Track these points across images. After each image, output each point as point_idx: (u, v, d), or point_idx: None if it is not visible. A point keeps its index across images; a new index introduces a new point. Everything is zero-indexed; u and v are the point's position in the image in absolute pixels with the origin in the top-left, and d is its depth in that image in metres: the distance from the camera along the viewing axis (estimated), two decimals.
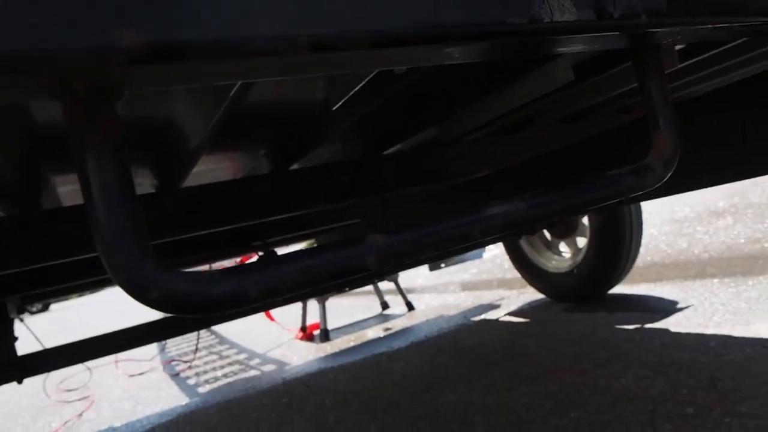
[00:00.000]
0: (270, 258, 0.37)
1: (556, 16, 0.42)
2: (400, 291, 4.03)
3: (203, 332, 5.38)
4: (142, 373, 4.00)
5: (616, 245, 2.40)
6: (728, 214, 3.69)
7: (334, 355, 3.07)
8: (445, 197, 1.80)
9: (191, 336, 4.84)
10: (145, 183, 1.39)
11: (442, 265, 3.40)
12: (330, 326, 3.81)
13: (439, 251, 0.43)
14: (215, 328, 5.56)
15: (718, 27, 0.53)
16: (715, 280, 2.39)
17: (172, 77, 0.32)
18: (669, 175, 0.52)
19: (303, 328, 3.93)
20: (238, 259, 4.50)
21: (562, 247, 2.77)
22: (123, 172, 0.33)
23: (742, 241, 2.95)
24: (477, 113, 1.41)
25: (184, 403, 2.85)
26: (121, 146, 0.33)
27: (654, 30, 0.50)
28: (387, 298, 4.27)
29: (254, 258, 2.87)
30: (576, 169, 1.47)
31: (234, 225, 1.46)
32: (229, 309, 0.35)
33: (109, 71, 0.29)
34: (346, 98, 0.86)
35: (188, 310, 0.33)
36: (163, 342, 5.17)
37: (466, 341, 2.53)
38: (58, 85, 0.30)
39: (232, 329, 5.19)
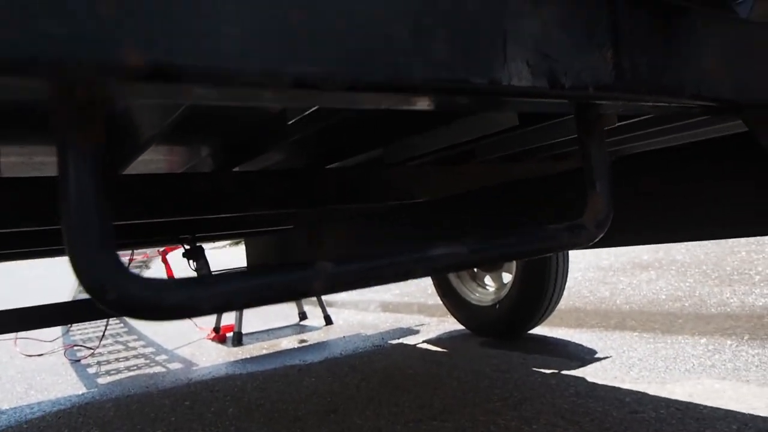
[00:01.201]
0: (223, 274, 0.39)
1: (514, 80, 0.46)
2: (321, 303, 4.03)
3: (112, 319, 5.17)
4: (41, 355, 3.80)
5: (541, 286, 2.46)
6: (652, 269, 3.89)
7: (245, 361, 3.02)
8: (381, 218, 1.83)
9: (100, 321, 4.65)
10: None
11: None
12: (244, 330, 3.75)
13: (381, 284, 0.45)
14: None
15: (656, 105, 0.59)
16: (635, 334, 2.48)
17: (165, 94, 0.33)
18: (601, 235, 0.56)
19: (216, 329, 3.85)
20: (161, 249, 4.38)
21: (488, 280, 2.85)
22: (99, 176, 0.34)
23: (664, 297, 3.10)
24: (423, 141, 1.46)
25: (80, 392, 2.73)
26: (102, 152, 0.34)
27: (599, 102, 0.55)
28: (306, 308, 4.25)
29: (179, 249, 2.80)
30: (510, 208, 1.53)
31: (169, 218, 1.44)
32: (179, 318, 0.36)
33: (109, 84, 0.30)
34: (303, 115, 0.88)
35: (141, 315, 0.34)
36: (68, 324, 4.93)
37: (380, 363, 2.55)
38: (60, 90, 0.31)
39: None
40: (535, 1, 0.48)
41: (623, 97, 0.54)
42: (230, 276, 0.38)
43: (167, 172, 1.65)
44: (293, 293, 0.40)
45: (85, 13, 0.29)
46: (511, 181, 1.63)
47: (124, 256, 4.80)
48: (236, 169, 1.52)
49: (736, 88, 0.66)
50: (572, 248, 0.56)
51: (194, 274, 2.79)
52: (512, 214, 1.49)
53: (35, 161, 1.37)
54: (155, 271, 5.80)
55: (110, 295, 0.34)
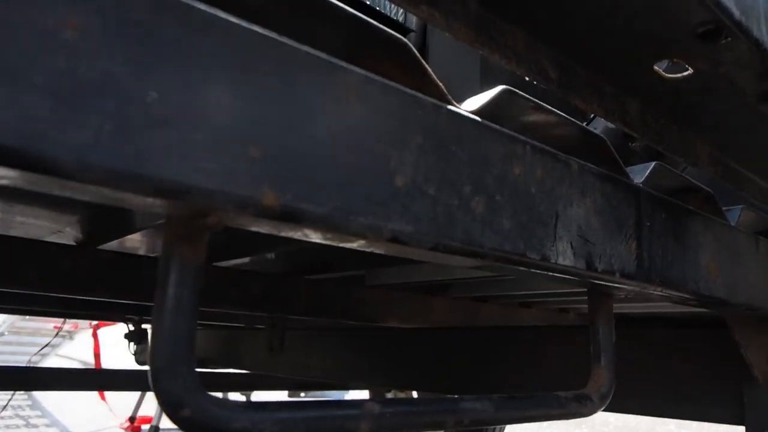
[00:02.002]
0: (280, 403, 0.40)
1: (560, 259, 0.51)
2: None
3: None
4: None
5: None
6: (585, 426, 3.89)
7: None
8: (349, 337, 1.82)
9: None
10: None
11: None
12: (162, 425, 3.52)
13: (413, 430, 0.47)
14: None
15: (664, 294, 0.65)
16: None
17: (278, 229, 0.36)
18: (603, 407, 0.60)
19: (132, 419, 3.60)
20: (94, 322, 4.16)
21: None
22: (197, 293, 0.35)
23: None
24: (404, 271, 1.50)
25: None
26: (202, 270, 0.36)
27: (620, 286, 0.60)
28: None
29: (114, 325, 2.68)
30: (474, 352, 1.55)
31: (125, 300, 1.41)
32: None
33: (242, 217, 0.33)
34: None
35: None
36: None
37: None
38: (193, 215, 0.33)
39: (53, 393, 4.65)
40: (582, 191, 0.54)
41: (640, 285, 0.60)
42: (289, 405, 0.39)
43: (133, 253, 1.63)
44: (340, 430, 0.41)
45: (238, 156, 0.32)
46: (487, 326, 1.67)
47: (53, 324, 4.54)
48: (217, 263, 1.52)
49: (726, 287, 0.73)
50: (576, 417, 0.59)
51: (131, 356, 2.65)
52: (473, 360, 1.51)
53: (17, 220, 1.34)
54: (78, 342, 5.47)
55: (185, 412, 0.34)
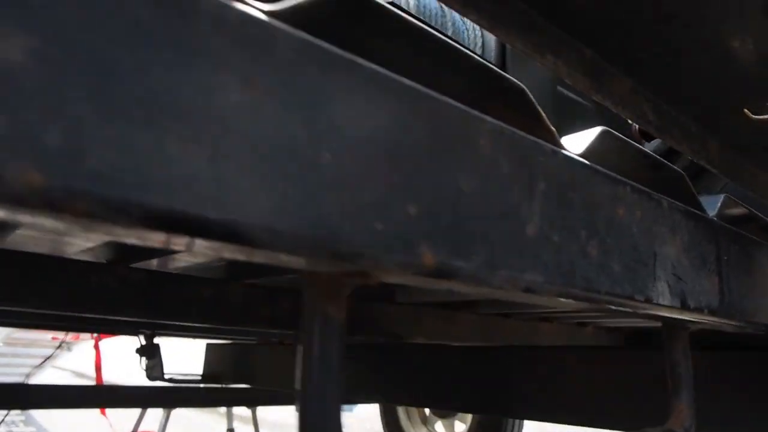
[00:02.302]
0: None
1: (660, 299, 0.51)
2: (255, 423, 3.80)
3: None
4: None
5: None
6: None
7: None
8: (364, 353, 1.82)
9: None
10: None
11: None
12: None
13: None
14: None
15: (738, 326, 0.65)
16: None
17: (423, 282, 0.36)
18: None
19: None
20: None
21: (438, 426, 2.80)
22: (342, 350, 0.35)
23: None
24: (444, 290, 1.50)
25: None
26: (345, 323, 0.36)
27: (707, 322, 0.60)
28: (236, 424, 4.00)
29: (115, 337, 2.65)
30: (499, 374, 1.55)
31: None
32: None
33: (400, 275, 0.33)
34: None
35: None
36: None
37: None
38: (348, 274, 0.33)
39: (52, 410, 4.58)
40: (672, 230, 0.55)
41: (723, 320, 0.60)
42: None
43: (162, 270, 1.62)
44: None
45: (400, 215, 0.32)
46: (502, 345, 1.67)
47: (51, 335, 4.48)
48: (248, 280, 1.51)
49: None
50: None
51: (142, 371, 2.62)
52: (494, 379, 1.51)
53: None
54: (76, 354, 5.39)
55: None
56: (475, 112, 0.38)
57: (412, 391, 1.83)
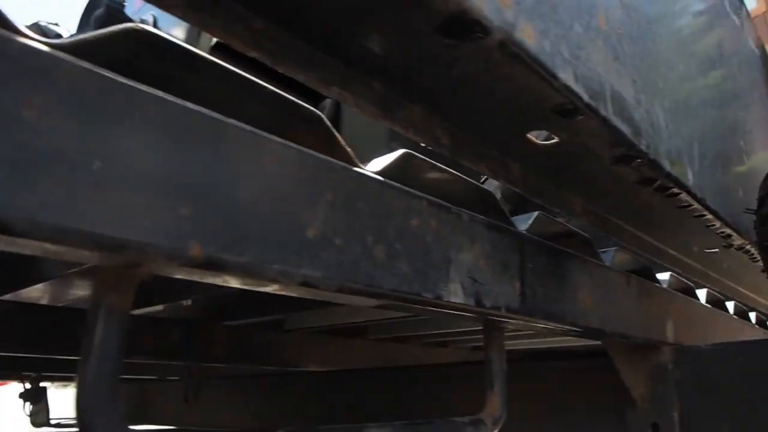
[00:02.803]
0: None
1: (452, 297, 0.59)
2: None
3: None
4: None
5: None
6: None
7: None
8: (270, 383, 1.83)
9: None
10: None
11: None
12: None
13: None
14: None
15: (546, 327, 0.74)
16: None
17: (199, 276, 0.42)
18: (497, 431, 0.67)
19: None
20: None
21: None
22: (123, 340, 0.40)
23: None
24: (321, 315, 1.55)
25: None
26: (129, 317, 0.41)
27: (506, 320, 0.69)
28: None
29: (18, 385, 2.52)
30: (401, 392, 1.61)
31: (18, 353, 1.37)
32: None
33: (169, 266, 0.38)
34: None
35: None
36: None
37: None
38: (126, 265, 0.38)
39: None
40: (472, 239, 0.63)
41: (524, 318, 0.69)
42: None
43: (35, 303, 1.58)
44: None
45: (170, 214, 0.38)
46: (403, 366, 1.73)
47: None
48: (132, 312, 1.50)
49: (601, 318, 0.83)
50: None
51: (25, 417, 2.48)
52: (402, 400, 1.56)
53: None
54: None
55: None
56: (263, 133, 0.44)
57: (316, 419, 1.85)
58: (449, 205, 0.62)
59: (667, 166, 0.70)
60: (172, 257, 0.38)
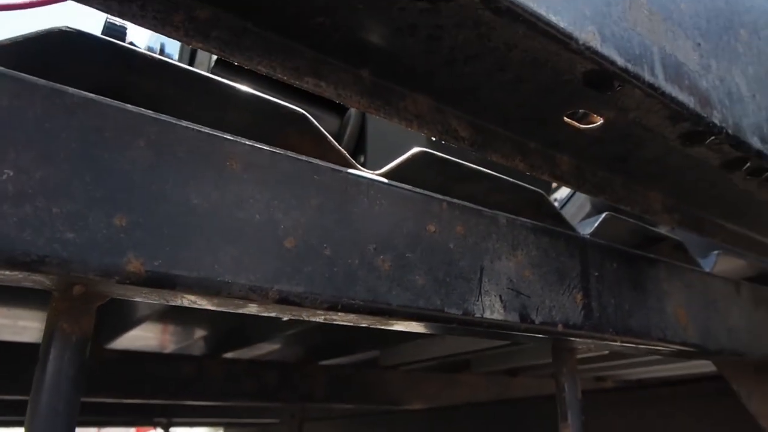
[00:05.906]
0: None
1: (486, 313, 0.50)
2: None
3: None
4: None
5: None
6: None
7: None
8: (372, 421, 1.78)
9: None
10: None
11: None
12: None
13: None
14: None
15: (625, 345, 0.62)
16: None
17: (162, 297, 0.37)
18: None
19: None
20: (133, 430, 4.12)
21: None
22: (79, 369, 0.36)
23: None
24: (417, 349, 1.47)
25: None
26: (87, 345, 0.37)
27: (569, 338, 0.58)
28: None
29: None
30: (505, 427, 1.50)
31: (147, 400, 1.41)
32: None
33: (109, 285, 0.34)
34: None
35: None
36: None
37: None
38: (59, 285, 0.35)
39: None
40: (513, 245, 0.54)
41: (591, 336, 0.58)
42: None
43: (153, 351, 1.65)
44: None
45: (102, 227, 0.34)
46: (508, 398, 1.61)
47: None
48: (227, 355, 1.52)
49: (700, 333, 0.69)
50: None
51: None
52: None
53: (18, 325, 1.39)
54: None
55: None
56: (220, 133, 0.40)
57: None
58: (479, 207, 0.54)
59: (756, 143, 0.57)
60: (106, 274, 0.34)
